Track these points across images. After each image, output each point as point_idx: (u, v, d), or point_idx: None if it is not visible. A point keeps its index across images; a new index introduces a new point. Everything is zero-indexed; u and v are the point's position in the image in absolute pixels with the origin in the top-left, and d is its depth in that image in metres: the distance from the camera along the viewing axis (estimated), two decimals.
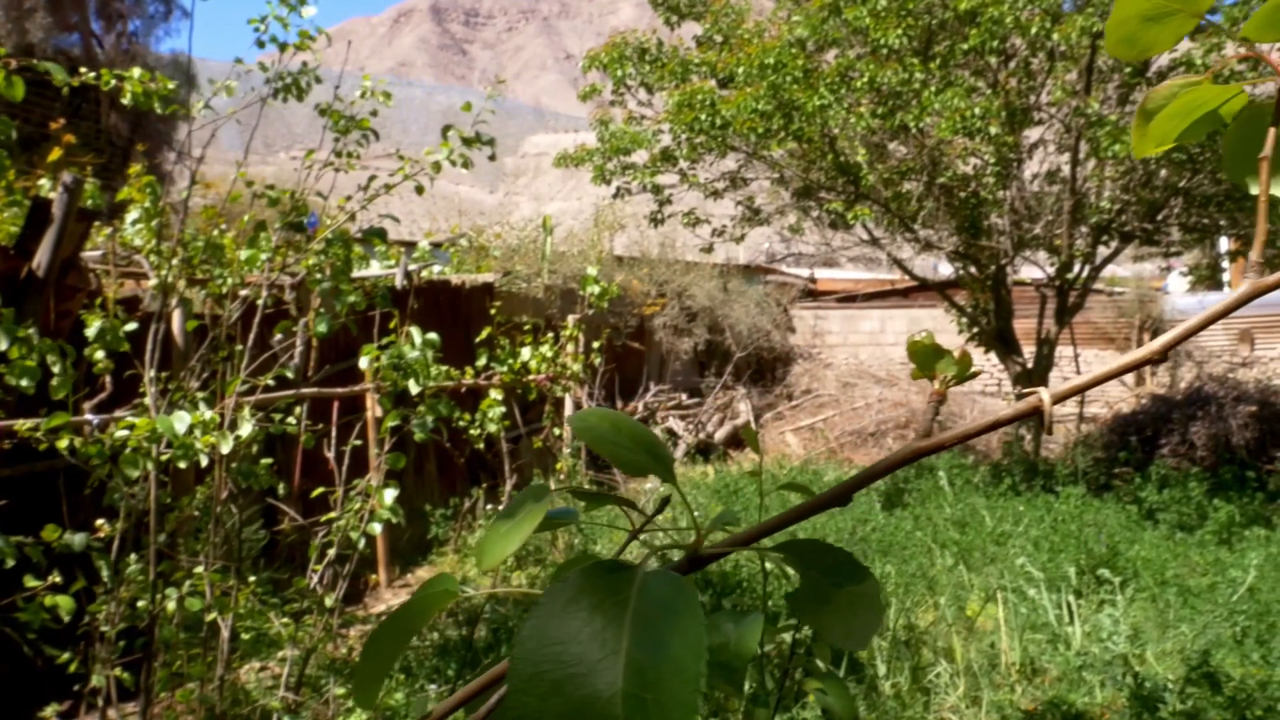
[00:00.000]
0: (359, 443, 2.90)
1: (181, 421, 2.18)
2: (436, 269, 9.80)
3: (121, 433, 2.19)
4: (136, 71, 2.50)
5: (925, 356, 0.47)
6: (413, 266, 8.62)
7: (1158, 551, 5.61)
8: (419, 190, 3.02)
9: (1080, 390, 0.46)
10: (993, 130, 6.28)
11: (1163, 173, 7.59)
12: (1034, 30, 6.03)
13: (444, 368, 5.21)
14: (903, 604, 4.51)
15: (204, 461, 2.46)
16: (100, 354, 3.15)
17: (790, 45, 6.79)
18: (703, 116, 6.84)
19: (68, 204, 3.89)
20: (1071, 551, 5.35)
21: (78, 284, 4.46)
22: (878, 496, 7.10)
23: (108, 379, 3.48)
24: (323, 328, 2.53)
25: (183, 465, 2.33)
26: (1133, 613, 4.69)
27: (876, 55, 6.81)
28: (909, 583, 4.98)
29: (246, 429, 2.31)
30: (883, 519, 6.42)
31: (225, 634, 2.49)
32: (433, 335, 2.72)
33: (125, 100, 2.50)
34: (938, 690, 3.83)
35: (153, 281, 3.32)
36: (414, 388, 2.67)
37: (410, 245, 10.64)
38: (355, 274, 7.95)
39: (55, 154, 4.96)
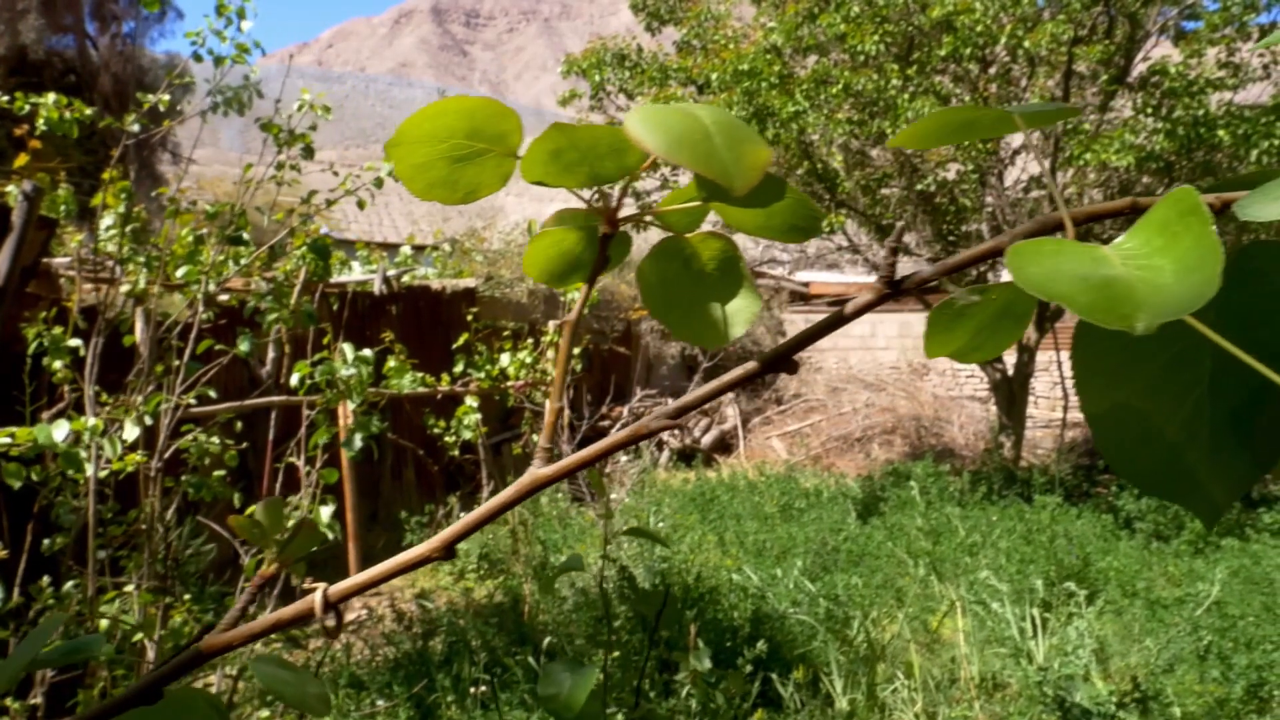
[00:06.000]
0: (293, 460, 2.88)
1: (60, 430, 2.16)
2: (420, 273, 9.79)
3: (1, 440, 2.17)
4: (51, 97, 2.48)
5: (250, 530, 0.44)
6: (392, 271, 8.61)
7: (1130, 562, 5.58)
8: (360, 204, 3.00)
9: (364, 587, 0.43)
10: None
11: (1144, 179, 7.56)
12: (1004, 38, 6.00)
13: (419, 374, 5.18)
14: (866, 616, 4.48)
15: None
16: (58, 364, 3.13)
17: (765, 51, 6.77)
18: None
19: (27, 212, 3.87)
20: (1041, 563, 5.32)
21: (40, 292, 4.44)
22: (854, 505, 7.07)
23: (66, 390, 3.46)
24: (244, 346, 2.51)
25: (83, 475, 2.30)
26: (1101, 626, 4.66)
27: (854, 61, 6.79)
28: (875, 595, 4.95)
29: (131, 433, 2.29)
30: (856, 528, 6.39)
31: (151, 654, 2.47)
32: (366, 351, 2.70)
33: (40, 125, 2.48)
34: (894, 707, 3.81)
35: (125, 288, 3.30)
36: (350, 405, 2.65)
37: (393, 249, 10.62)
38: (335, 279, 7.88)
39: (22, 159, 4.95)
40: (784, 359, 0.45)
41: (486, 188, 0.47)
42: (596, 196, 0.51)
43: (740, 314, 0.49)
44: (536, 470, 0.44)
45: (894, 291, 0.43)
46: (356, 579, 0.43)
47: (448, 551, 0.42)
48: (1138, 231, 0.32)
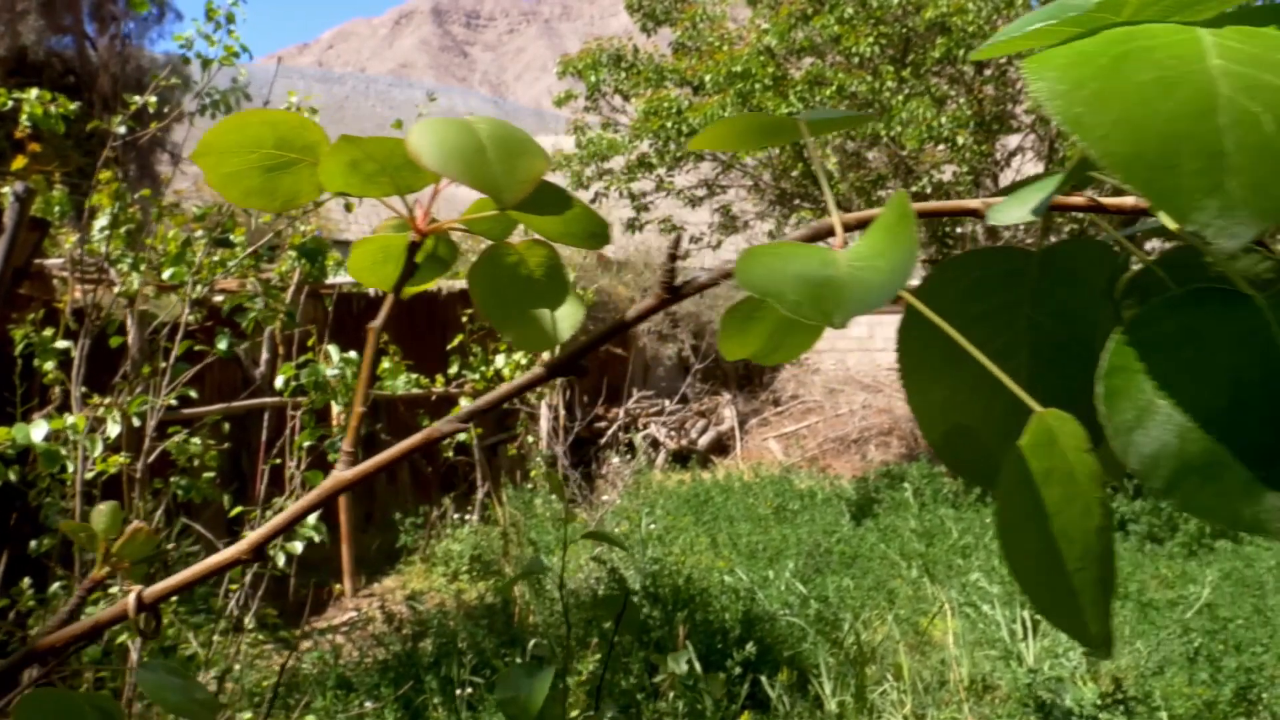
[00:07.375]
0: (277, 461, 2.88)
1: (39, 429, 2.16)
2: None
3: None
4: (34, 92, 2.48)
5: (80, 535, 0.44)
6: None
7: (1123, 564, 5.58)
8: (348, 207, 3.01)
9: (177, 589, 0.44)
10: (959, 140, 6.27)
11: None
12: None
13: (414, 376, 5.18)
14: (857, 618, 4.48)
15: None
16: (49, 365, 3.13)
17: (759, 53, 6.77)
18: (669, 124, 6.83)
19: (19, 213, 3.88)
20: None
21: (33, 294, 4.45)
22: (848, 506, 7.07)
23: (57, 390, 3.46)
24: (223, 345, 2.51)
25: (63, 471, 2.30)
26: None
27: (849, 63, 6.79)
28: (866, 597, 4.95)
29: (113, 430, 2.30)
30: (849, 530, 6.39)
31: (134, 656, 2.47)
32: (351, 354, 2.71)
33: (23, 121, 2.48)
34: (883, 709, 3.81)
35: (117, 289, 3.30)
36: (335, 408, 2.66)
37: None
38: (331, 280, 7.86)
39: (20, 162, 4.96)
40: (572, 363, 0.46)
41: (306, 195, 0.48)
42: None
43: (567, 319, 0.51)
44: (339, 474, 0.46)
45: (674, 297, 0.45)
46: (170, 581, 0.43)
47: (256, 554, 0.43)
48: (870, 234, 0.34)
